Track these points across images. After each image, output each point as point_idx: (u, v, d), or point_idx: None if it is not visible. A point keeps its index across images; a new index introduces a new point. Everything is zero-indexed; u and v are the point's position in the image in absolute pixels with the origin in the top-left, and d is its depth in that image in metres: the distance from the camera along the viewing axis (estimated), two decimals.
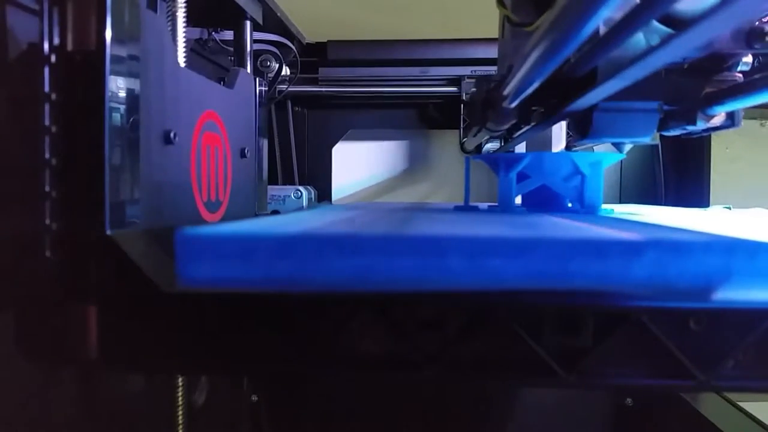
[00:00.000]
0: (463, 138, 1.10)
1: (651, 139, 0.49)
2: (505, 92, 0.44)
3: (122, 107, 0.36)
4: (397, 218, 0.43)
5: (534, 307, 0.30)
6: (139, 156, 0.38)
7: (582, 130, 0.49)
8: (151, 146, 0.42)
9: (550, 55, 0.33)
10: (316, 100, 1.14)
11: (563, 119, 0.55)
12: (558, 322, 0.30)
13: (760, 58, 0.46)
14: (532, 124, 0.59)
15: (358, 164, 1.18)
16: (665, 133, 0.52)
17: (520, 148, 0.76)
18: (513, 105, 0.46)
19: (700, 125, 0.48)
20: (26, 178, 0.34)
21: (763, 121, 1.03)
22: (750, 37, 0.41)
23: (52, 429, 0.36)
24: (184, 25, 0.56)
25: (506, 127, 0.58)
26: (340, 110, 1.16)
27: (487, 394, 0.94)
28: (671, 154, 1.08)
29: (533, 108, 0.56)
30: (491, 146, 0.96)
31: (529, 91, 0.41)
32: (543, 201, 0.56)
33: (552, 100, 0.50)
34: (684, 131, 0.51)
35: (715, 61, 0.45)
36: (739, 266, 0.29)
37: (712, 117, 0.47)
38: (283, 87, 0.98)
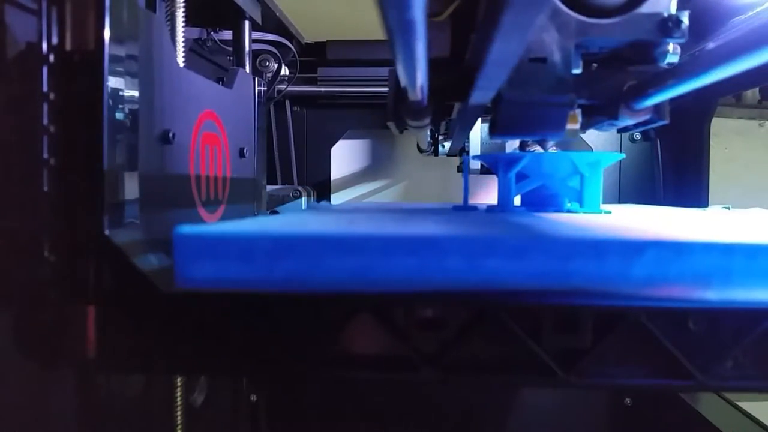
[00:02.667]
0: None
1: (566, 134, 0.45)
2: (402, 84, 0.39)
3: (121, 107, 0.35)
4: (396, 218, 0.43)
5: (533, 307, 0.29)
6: (137, 156, 0.38)
7: (491, 126, 0.45)
8: (150, 146, 0.42)
9: (396, 33, 0.26)
10: (315, 100, 1.14)
11: (480, 114, 0.50)
12: (557, 322, 0.30)
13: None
14: (452, 119, 0.55)
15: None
16: (593, 129, 0.49)
17: (475, 147, 0.75)
18: (420, 98, 0.42)
19: (625, 120, 0.45)
20: (24, 178, 0.34)
21: (762, 122, 1.03)
22: (664, 25, 0.38)
23: (49, 429, 0.36)
24: (183, 24, 0.56)
25: (425, 122, 0.53)
26: (339, 110, 1.16)
27: (485, 394, 0.94)
28: (670, 155, 1.08)
29: (447, 102, 0.51)
30: (448, 144, 0.94)
31: (421, 80, 0.36)
32: (542, 201, 0.56)
33: (462, 93, 0.45)
34: (612, 126, 0.48)
35: (638, 52, 0.41)
36: (737, 267, 0.29)
37: (639, 111, 0.44)
38: (282, 87, 0.98)
